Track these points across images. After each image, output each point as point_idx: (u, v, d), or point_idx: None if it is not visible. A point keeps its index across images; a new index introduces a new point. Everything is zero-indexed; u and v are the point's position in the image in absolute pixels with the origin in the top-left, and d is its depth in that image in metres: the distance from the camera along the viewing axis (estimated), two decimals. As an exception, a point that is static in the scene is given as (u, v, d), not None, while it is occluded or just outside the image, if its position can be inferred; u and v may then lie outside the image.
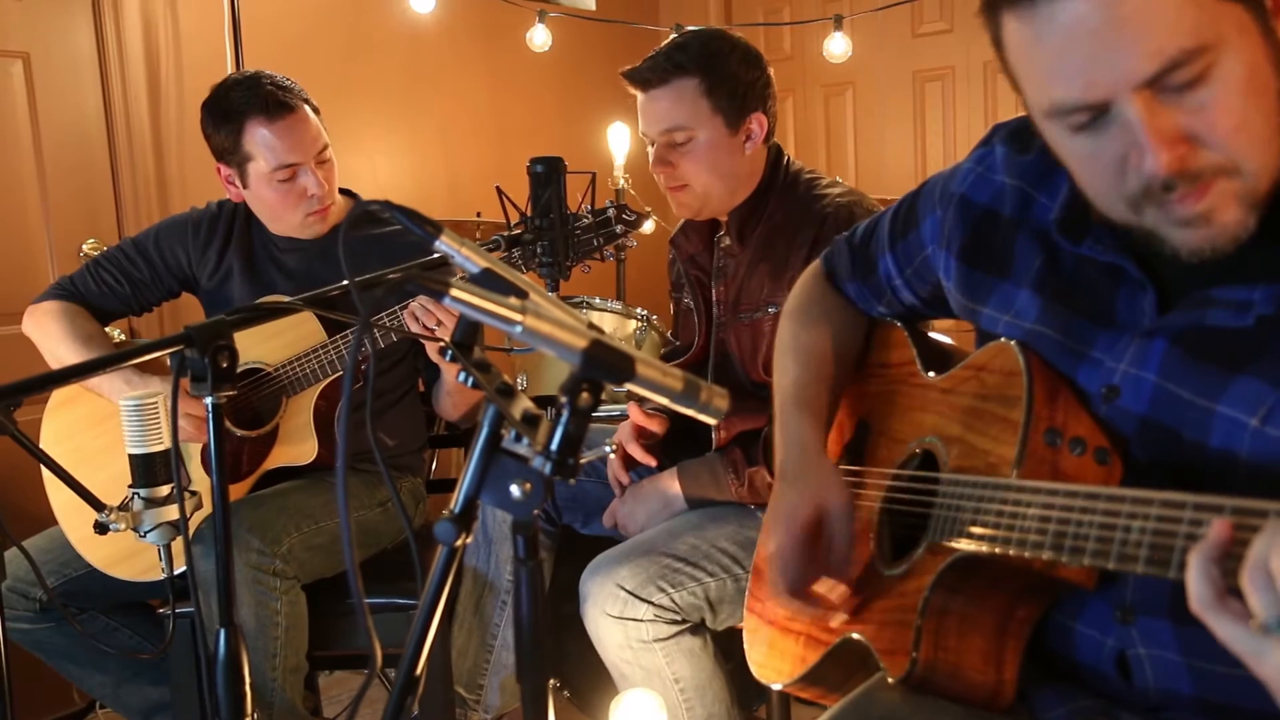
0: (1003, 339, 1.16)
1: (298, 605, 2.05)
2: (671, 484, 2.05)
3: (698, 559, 1.88)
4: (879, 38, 4.26)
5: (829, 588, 1.30)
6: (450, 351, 1.02)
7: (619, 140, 3.90)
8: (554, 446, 0.88)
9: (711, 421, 0.93)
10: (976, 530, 1.06)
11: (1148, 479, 1.02)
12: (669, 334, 2.56)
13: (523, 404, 0.97)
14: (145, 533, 1.57)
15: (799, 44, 4.64)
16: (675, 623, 1.86)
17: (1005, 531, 1.01)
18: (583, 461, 0.92)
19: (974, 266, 1.24)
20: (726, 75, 1.98)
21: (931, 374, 1.31)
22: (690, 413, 0.92)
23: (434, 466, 2.71)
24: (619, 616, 1.83)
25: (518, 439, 0.96)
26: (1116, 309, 1.08)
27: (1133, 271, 1.06)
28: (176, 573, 1.60)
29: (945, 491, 1.14)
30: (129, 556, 2.10)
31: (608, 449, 2.15)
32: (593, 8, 4.65)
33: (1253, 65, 0.89)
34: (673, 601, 1.84)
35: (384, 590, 2.13)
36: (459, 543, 0.97)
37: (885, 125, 4.50)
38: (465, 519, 0.97)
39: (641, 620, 1.83)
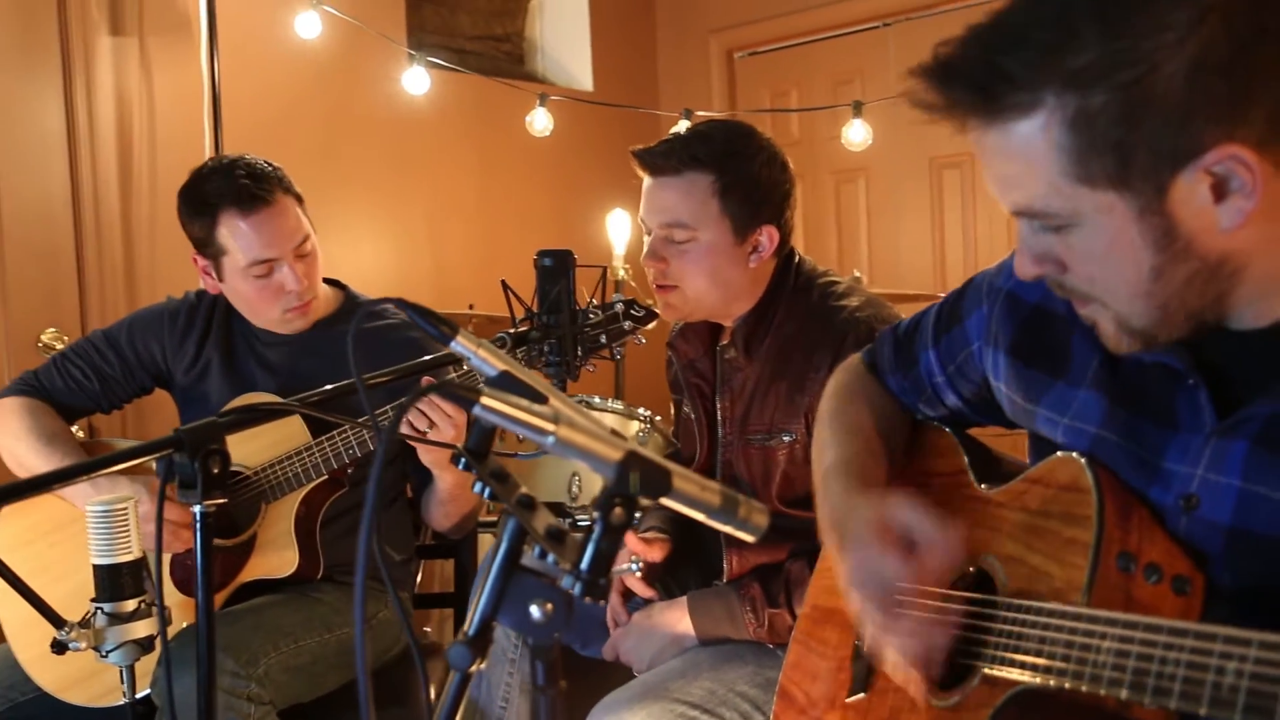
0: (1069, 453, 1.15)
1: (272, 734, 2.00)
2: (681, 618, 1.98)
3: (714, 705, 1.82)
4: (893, 122, 4.34)
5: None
6: (462, 459, 1.01)
7: (619, 229, 3.94)
8: (585, 566, 0.87)
9: (749, 539, 0.92)
10: (1041, 661, 1.04)
11: (1234, 605, 1.01)
12: (673, 433, 2.54)
13: (545, 518, 0.96)
14: (107, 652, 1.54)
15: (808, 128, 4.73)
16: (688, 774, 1.80)
17: (1076, 665, 0.99)
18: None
19: (1027, 363, 1.26)
20: (745, 178, 1.94)
21: (985, 486, 1.30)
22: (728, 529, 0.91)
23: (418, 580, 2.67)
24: None
25: (539, 555, 0.94)
26: (1178, 410, 1.10)
27: (1175, 365, 1.08)
28: (138, 696, 1.56)
29: (1004, 616, 1.12)
30: (85, 679, 2.05)
31: (633, 566, 2.07)
32: (590, 90, 4.75)
33: (1116, 239, 1.02)
34: None
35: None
36: (474, 668, 0.95)
37: (901, 215, 4.57)
38: (481, 643, 0.95)
39: None
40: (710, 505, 0.90)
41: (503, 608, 0.94)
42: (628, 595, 2.10)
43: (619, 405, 3.16)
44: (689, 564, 2.14)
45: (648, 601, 2.06)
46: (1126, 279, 1.04)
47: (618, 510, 0.86)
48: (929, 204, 4.49)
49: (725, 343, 2.06)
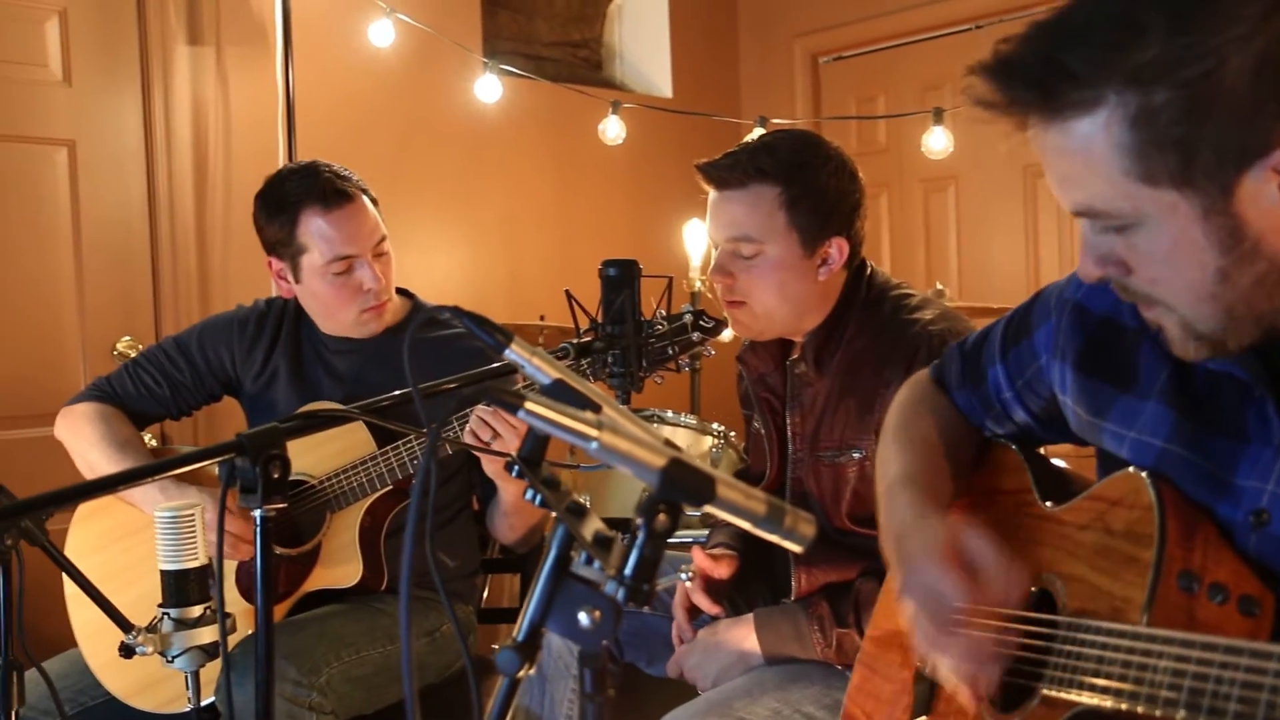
0: (1132, 469, 1.16)
1: (334, 745, 2.06)
2: (748, 636, 2.01)
3: None
4: (984, 129, 4.32)
5: None
6: (516, 467, 1.06)
7: (695, 240, 3.97)
8: (629, 571, 0.90)
9: (796, 549, 0.95)
10: (1099, 682, 1.05)
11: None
12: (743, 450, 2.56)
13: (594, 524, 1.00)
14: (173, 657, 1.61)
15: (895, 135, 4.72)
16: (749, 794, 1.82)
17: (1133, 685, 1.01)
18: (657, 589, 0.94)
19: (1093, 376, 1.27)
20: (813, 189, 1.95)
21: (1050, 504, 1.31)
22: (774, 539, 0.94)
23: (485, 594, 2.73)
24: None
25: (588, 562, 0.98)
26: (1248, 423, 1.10)
27: (1241, 375, 1.09)
28: (204, 704, 1.62)
29: (1064, 636, 1.13)
30: (152, 685, 2.13)
31: (683, 577, 2.11)
32: (669, 96, 4.80)
33: (1180, 239, 1.03)
34: None
35: (428, 731, 2.14)
36: (522, 673, 0.99)
37: (992, 225, 4.54)
38: (530, 648, 0.99)
39: None
40: (756, 514, 0.92)
41: (551, 614, 0.98)
42: (694, 612, 2.12)
43: (692, 420, 3.19)
44: (757, 582, 2.16)
45: (714, 619, 2.09)
46: (1191, 281, 1.05)
47: (661, 516, 0.90)
48: (1022, 214, 4.45)
49: (795, 357, 2.08)
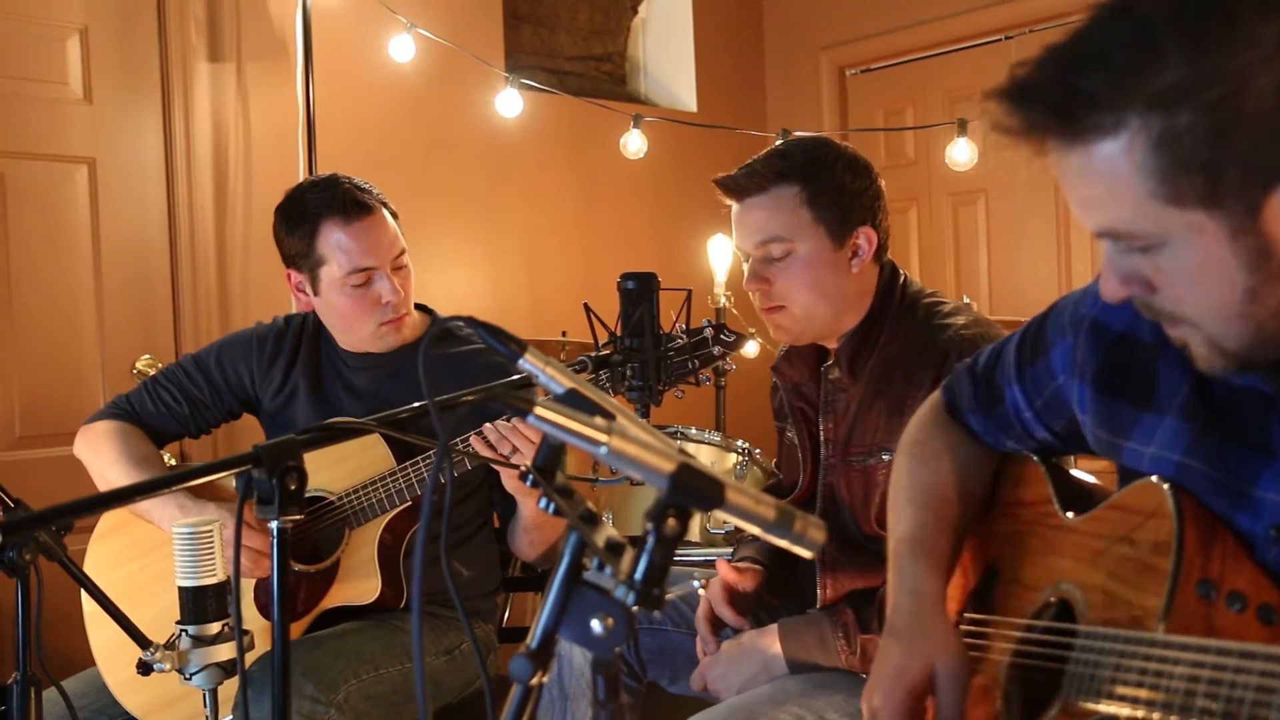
0: (1153, 479, 1.18)
1: (351, 763, 2.09)
2: (772, 644, 2.03)
3: None
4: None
5: None
6: (531, 477, 1.09)
7: (720, 254, 4.01)
8: (638, 576, 0.93)
9: (807, 555, 0.97)
10: (1118, 690, 1.07)
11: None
12: (774, 464, 2.59)
13: (607, 532, 1.03)
14: (191, 675, 1.64)
15: (924, 148, 4.74)
16: (769, 804, 1.84)
17: (1150, 691, 1.02)
18: (668, 598, 0.96)
19: (1111, 395, 1.28)
20: (831, 184, 2.01)
21: (1070, 514, 1.33)
22: (784, 544, 0.96)
23: (507, 613, 2.75)
24: None
25: (600, 569, 1.01)
26: (1271, 436, 1.11)
27: (1265, 389, 1.11)
28: (222, 723, 1.65)
29: (1083, 645, 1.15)
30: (170, 703, 2.17)
31: (695, 584, 2.14)
32: (694, 110, 4.84)
33: (1208, 259, 1.04)
34: None
35: (447, 751, 2.17)
36: (535, 681, 1.01)
37: (1023, 239, 4.55)
38: (543, 655, 1.01)
39: None
40: (765, 519, 0.95)
41: (564, 621, 1.01)
42: (718, 625, 2.15)
43: (716, 437, 3.21)
44: (784, 596, 2.18)
45: (738, 631, 2.11)
46: (1220, 300, 1.06)
47: (671, 521, 0.92)
48: (1054, 227, 4.46)
49: (830, 363, 2.12)
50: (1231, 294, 1.05)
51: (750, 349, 4.13)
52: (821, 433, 2.14)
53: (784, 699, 1.92)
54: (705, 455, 3.20)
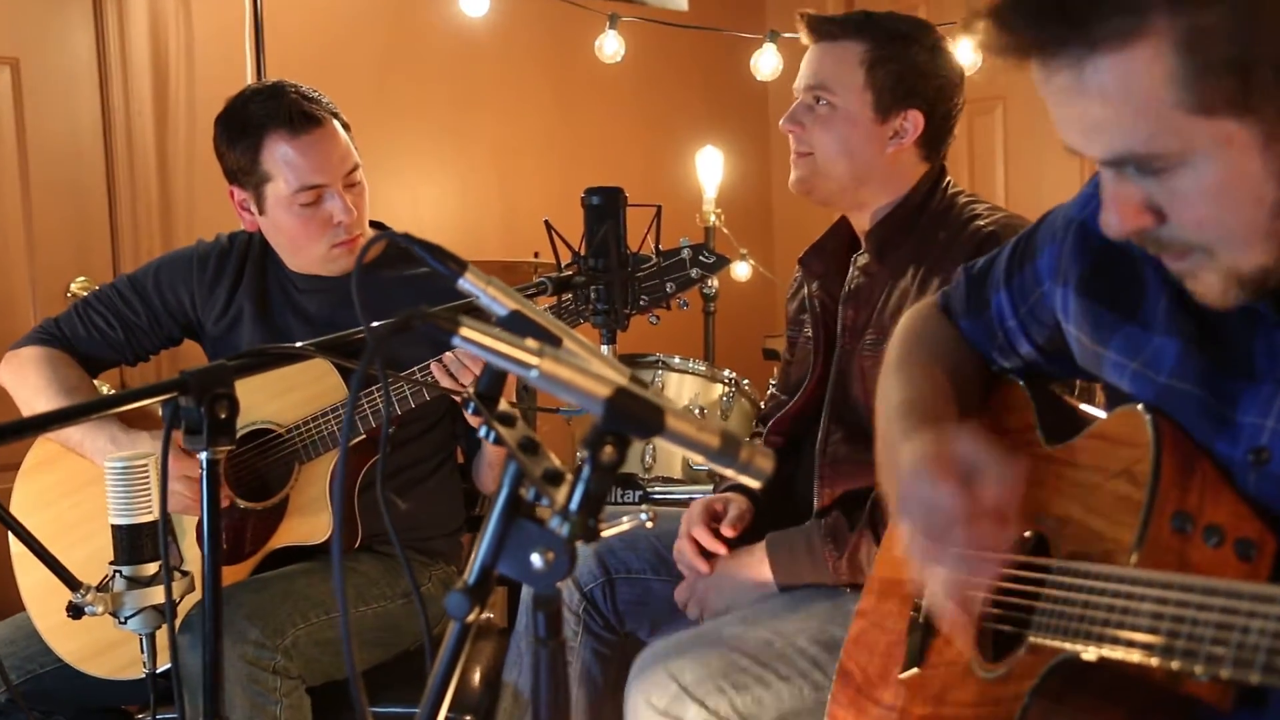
0: (1139, 406, 1.21)
1: (300, 711, 2.13)
2: (761, 561, 2.11)
3: (769, 658, 1.92)
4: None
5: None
6: (472, 404, 1.12)
7: (710, 169, 4.00)
8: (573, 506, 0.96)
9: (753, 484, 1.00)
10: (1082, 627, 1.11)
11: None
12: (774, 386, 2.63)
13: (546, 462, 1.06)
14: (126, 618, 1.67)
15: (937, 52, 4.72)
16: (729, 731, 1.90)
17: (1114, 630, 1.06)
18: (606, 534, 1.00)
19: (1095, 300, 1.32)
20: (899, 56, 2.12)
21: (1052, 443, 1.37)
22: (729, 473, 1.00)
23: (472, 553, 2.80)
24: (663, 711, 1.88)
25: (537, 499, 1.04)
26: (1255, 356, 1.14)
27: (1265, 311, 1.13)
28: (160, 670, 1.69)
29: (1054, 582, 1.19)
30: (105, 650, 2.21)
31: (644, 517, 2.17)
32: (684, 8, 4.80)
33: (1234, 174, 1.05)
34: (732, 707, 1.87)
35: (405, 697, 2.22)
36: (472, 618, 1.05)
37: (1043, 149, 4.55)
38: (481, 591, 1.06)
39: None
40: (709, 447, 0.98)
41: (503, 556, 1.05)
42: (705, 554, 2.20)
43: (701, 367, 3.25)
44: (780, 524, 2.22)
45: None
46: (1245, 219, 1.07)
47: (608, 449, 0.95)
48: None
49: (861, 250, 2.22)
50: (1257, 211, 1.06)
51: (741, 271, 4.14)
52: (840, 322, 2.22)
53: (756, 619, 1.99)
54: (690, 386, 3.25)
